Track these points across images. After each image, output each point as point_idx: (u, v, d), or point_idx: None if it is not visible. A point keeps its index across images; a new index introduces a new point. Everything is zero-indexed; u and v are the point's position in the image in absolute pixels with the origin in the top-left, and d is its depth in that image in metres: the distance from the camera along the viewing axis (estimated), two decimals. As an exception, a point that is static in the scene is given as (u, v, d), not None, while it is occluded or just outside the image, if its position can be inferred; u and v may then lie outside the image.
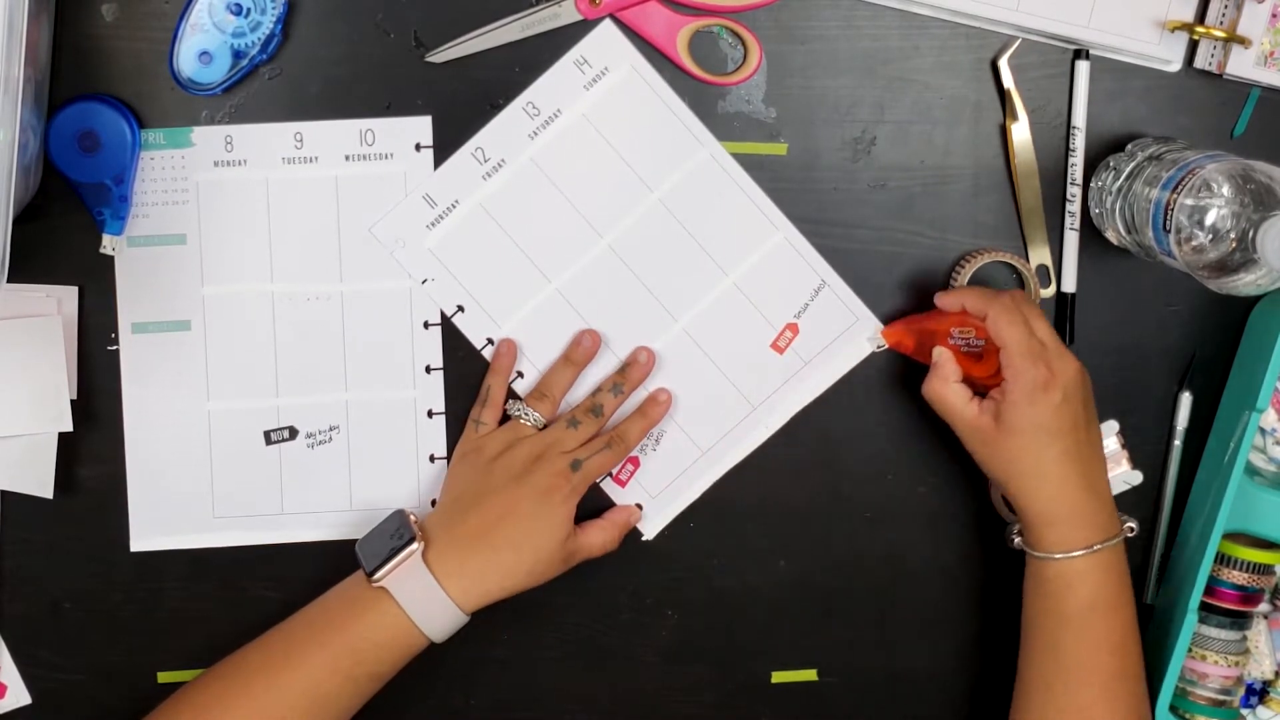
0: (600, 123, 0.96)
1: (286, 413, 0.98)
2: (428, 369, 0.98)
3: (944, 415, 0.94)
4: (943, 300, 0.95)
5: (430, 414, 0.98)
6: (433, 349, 0.98)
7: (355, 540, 0.94)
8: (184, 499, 0.98)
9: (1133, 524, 0.95)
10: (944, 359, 0.94)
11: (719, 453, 0.99)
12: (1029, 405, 0.89)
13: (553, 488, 0.92)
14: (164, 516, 0.99)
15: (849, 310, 0.99)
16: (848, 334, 0.99)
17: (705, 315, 0.98)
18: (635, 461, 0.99)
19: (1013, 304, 0.91)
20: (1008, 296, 0.92)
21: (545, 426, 0.95)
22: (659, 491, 1.00)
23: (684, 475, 1.00)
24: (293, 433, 0.99)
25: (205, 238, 0.97)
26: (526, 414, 0.95)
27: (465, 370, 0.98)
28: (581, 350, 0.96)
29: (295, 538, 0.99)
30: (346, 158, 0.97)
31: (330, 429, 0.98)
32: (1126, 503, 1.01)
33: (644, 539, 1.00)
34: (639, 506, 0.99)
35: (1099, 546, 0.91)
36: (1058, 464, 0.90)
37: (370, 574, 0.90)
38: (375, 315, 0.98)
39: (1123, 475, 1.01)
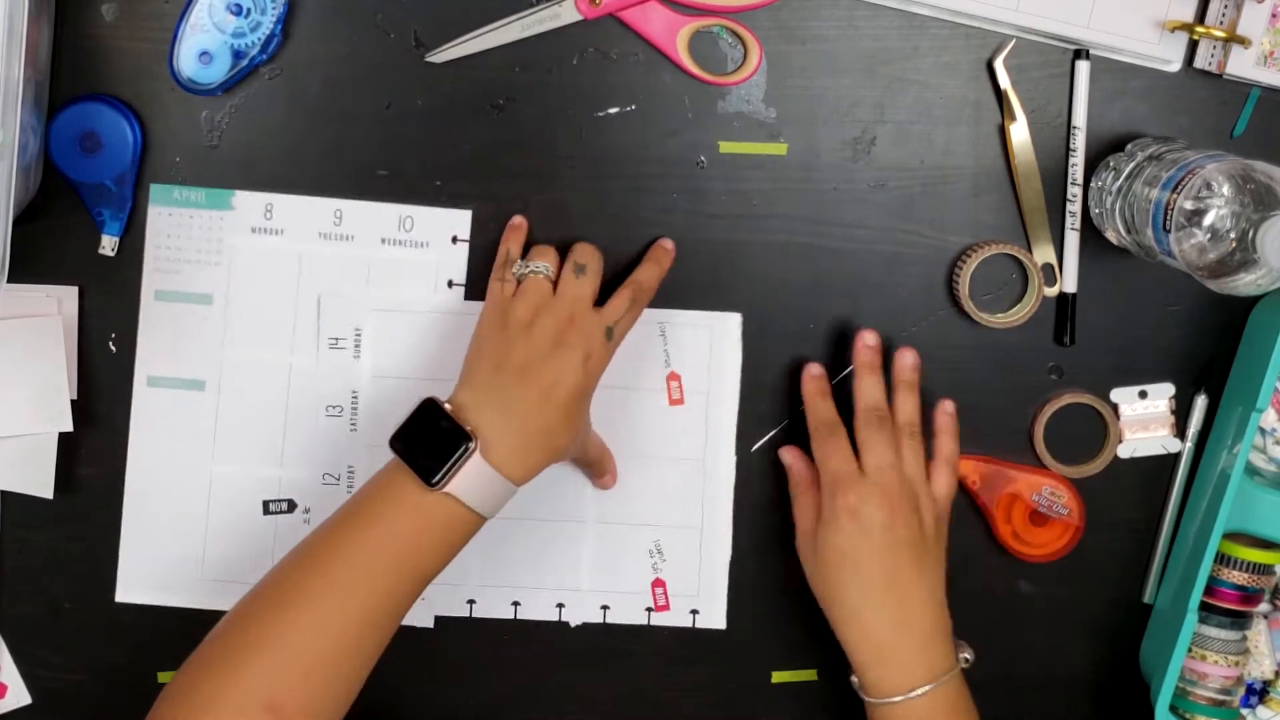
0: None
1: (289, 485, 0.98)
2: None
3: (794, 518, 0.96)
4: (788, 456, 0.98)
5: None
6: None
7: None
8: (176, 558, 0.98)
9: (968, 654, 0.92)
10: (793, 461, 0.96)
11: (711, 516, 0.99)
12: (833, 531, 0.90)
13: (591, 354, 0.89)
14: (154, 571, 0.98)
15: (698, 324, 0.98)
16: (717, 340, 0.98)
17: (602, 430, 0.97)
18: (660, 583, 0.99)
19: (842, 432, 0.93)
20: (841, 425, 0.94)
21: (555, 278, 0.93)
22: (697, 589, 1.00)
23: (702, 557, 0.99)
24: (291, 505, 0.99)
25: (231, 301, 0.97)
26: (536, 267, 0.92)
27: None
28: (582, 250, 0.94)
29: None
30: (383, 240, 0.97)
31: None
32: (1150, 483, 1.01)
33: (716, 628, 1.00)
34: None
35: (921, 691, 0.87)
36: (862, 599, 0.89)
37: (432, 483, 0.85)
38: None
39: (1161, 440, 1.01)
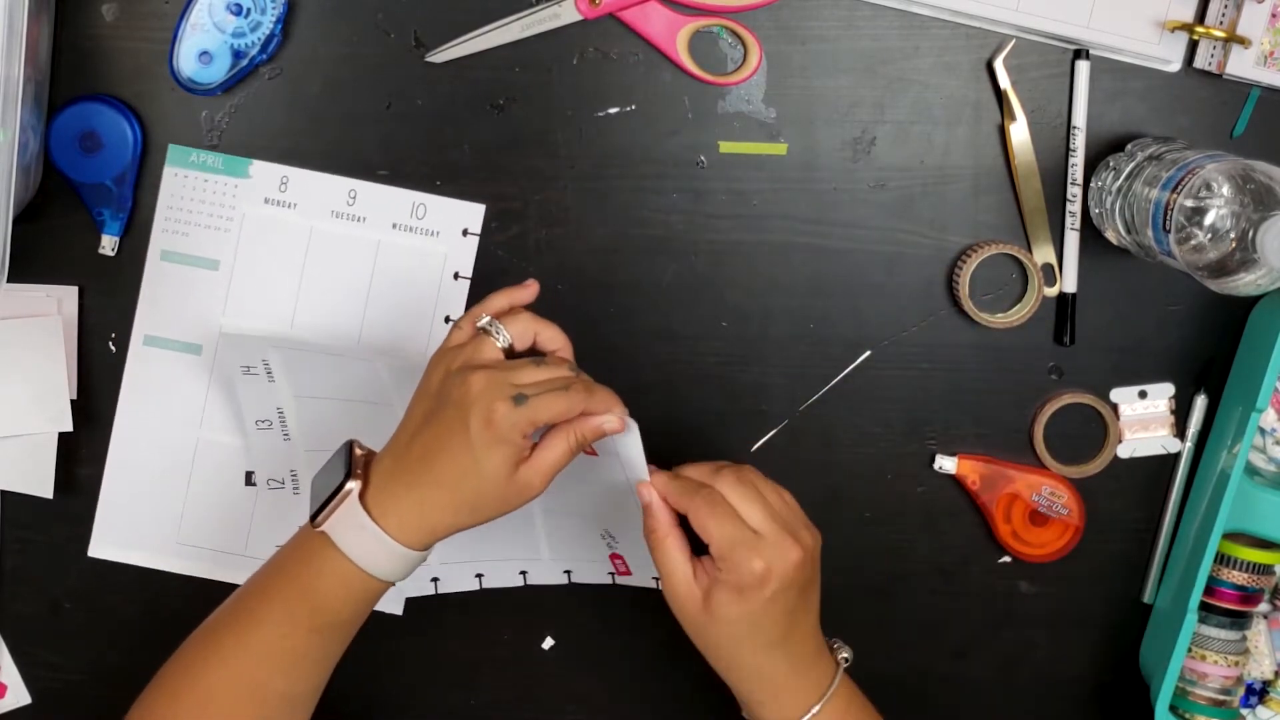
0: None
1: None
2: None
3: (656, 567, 0.85)
4: (646, 492, 0.84)
5: None
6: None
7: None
8: (153, 518, 0.98)
9: (846, 653, 0.88)
10: (656, 505, 0.84)
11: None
12: (739, 600, 0.82)
13: (487, 423, 0.79)
14: (129, 528, 0.98)
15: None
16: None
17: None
18: (618, 556, 0.96)
19: (717, 496, 0.82)
20: (712, 487, 0.83)
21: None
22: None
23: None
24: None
25: (237, 268, 0.97)
26: (498, 331, 0.83)
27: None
28: (521, 291, 0.87)
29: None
30: (394, 225, 0.97)
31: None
32: (1150, 483, 1.01)
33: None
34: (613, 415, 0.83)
35: (815, 710, 0.85)
36: (761, 653, 0.84)
37: (312, 519, 0.82)
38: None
39: (1161, 440, 1.01)
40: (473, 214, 0.97)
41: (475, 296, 0.98)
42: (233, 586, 0.88)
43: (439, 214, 0.97)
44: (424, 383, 0.84)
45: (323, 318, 0.98)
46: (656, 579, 0.91)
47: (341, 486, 0.81)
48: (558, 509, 0.95)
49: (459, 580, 1.00)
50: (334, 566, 0.81)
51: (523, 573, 0.99)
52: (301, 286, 0.97)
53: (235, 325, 0.97)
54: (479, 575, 1.00)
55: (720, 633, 0.83)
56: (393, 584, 0.83)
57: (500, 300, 0.86)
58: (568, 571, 0.99)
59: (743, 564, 0.81)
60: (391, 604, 1.00)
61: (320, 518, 0.81)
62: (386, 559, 0.81)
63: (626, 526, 0.92)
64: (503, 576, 0.99)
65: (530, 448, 0.81)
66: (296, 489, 0.98)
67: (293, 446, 0.97)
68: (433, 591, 1.00)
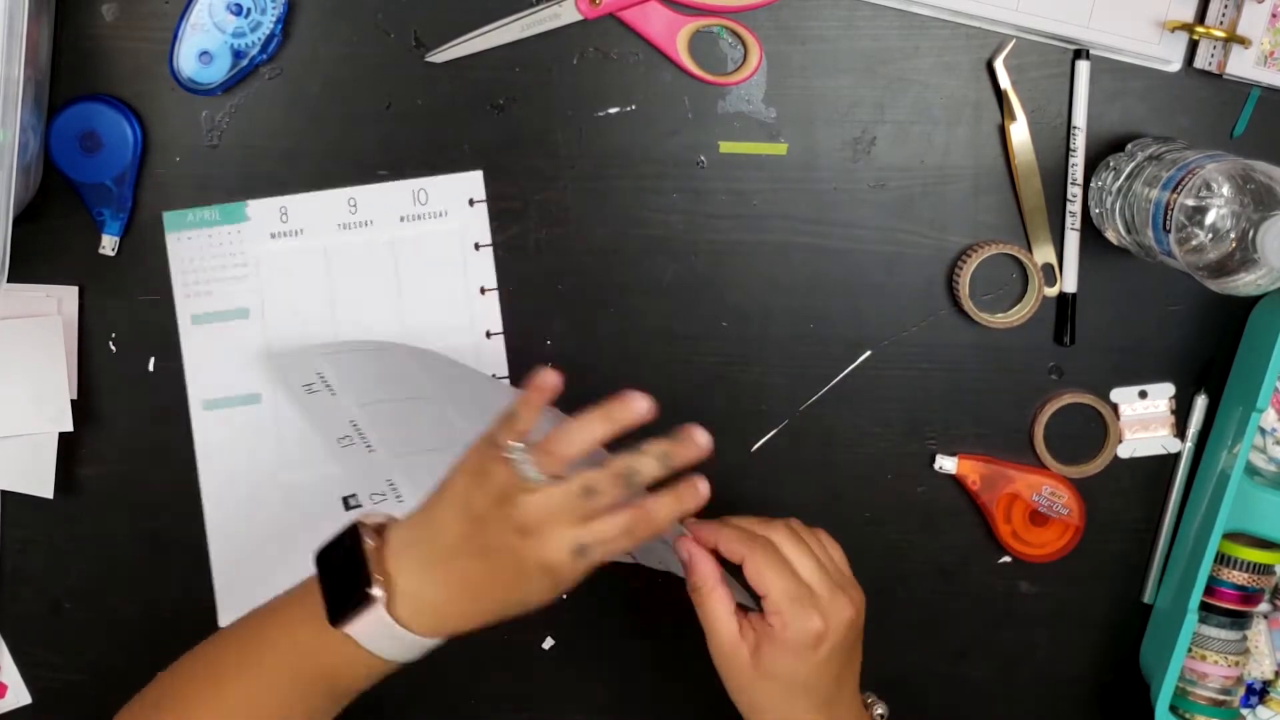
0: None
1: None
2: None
3: (701, 620, 0.82)
4: (686, 548, 0.83)
5: None
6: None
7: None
8: (269, 572, 0.92)
9: (882, 709, 0.88)
10: (698, 559, 0.82)
11: None
12: (793, 658, 0.80)
13: (549, 570, 0.77)
14: (250, 590, 0.93)
15: None
16: None
17: None
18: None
19: (772, 547, 0.81)
20: (768, 538, 0.82)
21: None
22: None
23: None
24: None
25: (267, 310, 0.97)
26: (525, 470, 0.78)
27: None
28: (628, 409, 0.79)
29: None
30: (401, 219, 0.97)
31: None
32: (1150, 483, 1.02)
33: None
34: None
35: None
36: (811, 714, 0.82)
37: (331, 618, 0.79)
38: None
39: (1161, 440, 1.01)
40: (473, 183, 0.97)
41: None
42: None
43: (440, 192, 0.97)
44: (463, 491, 0.79)
45: (363, 328, 0.97)
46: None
47: (364, 595, 0.77)
48: None
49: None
50: (356, 656, 0.79)
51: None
52: (334, 306, 0.97)
53: (280, 344, 0.97)
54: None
55: (770, 691, 0.81)
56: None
57: (527, 415, 0.79)
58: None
59: (799, 621, 0.80)
60: None
61: (342, 621, 0.78)
62: (413, 651, 0.80)
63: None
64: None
65: None
66: (400, 498, 0.97)
67: (378, 457, 0.96)
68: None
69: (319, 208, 0.97)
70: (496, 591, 0.79)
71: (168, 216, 0.96)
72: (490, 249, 0.98)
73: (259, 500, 0.98)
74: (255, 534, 0.98)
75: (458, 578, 0.78)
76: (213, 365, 0.97)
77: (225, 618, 0.99)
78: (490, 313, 0.98)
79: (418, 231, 0.97)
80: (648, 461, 0.78)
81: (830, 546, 0.86)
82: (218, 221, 0.96)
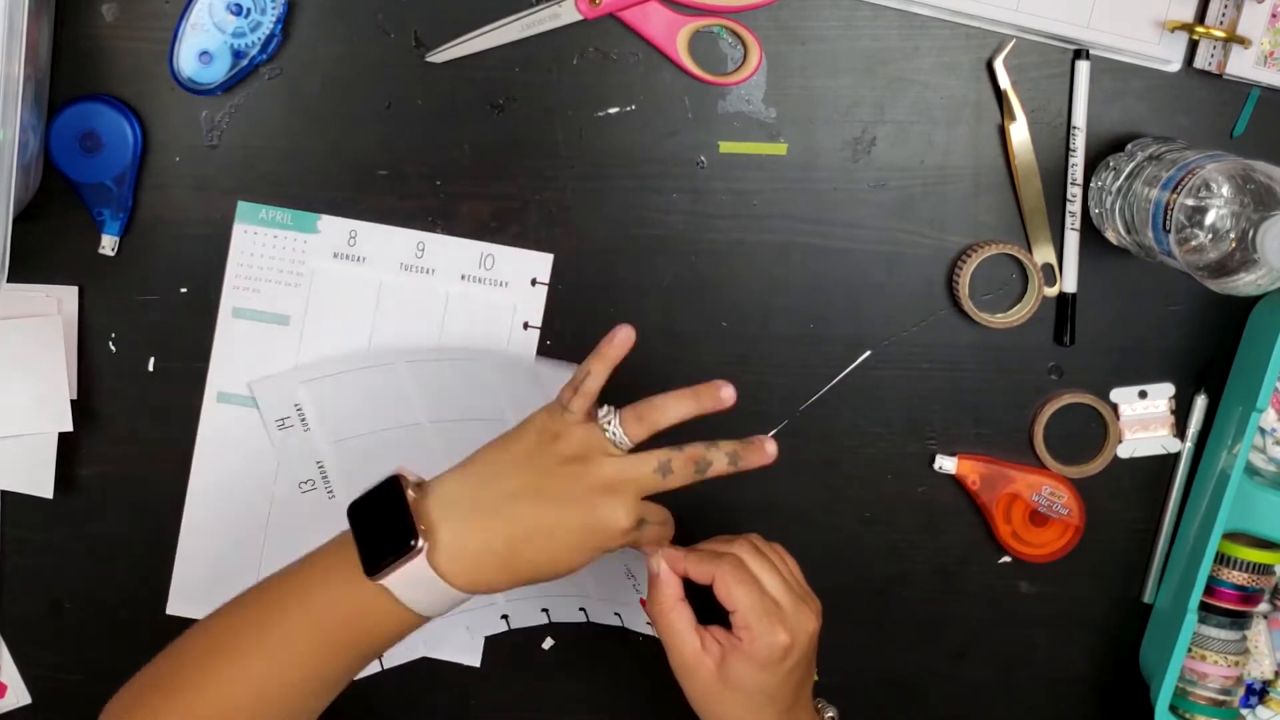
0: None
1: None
2: None
3: (661, 638, 0.85)
4: (660, 565, 0.84)
5: None
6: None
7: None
8: (229, 575, 0.95)
9: (832, 713, 0.90)
10: (665, 576, 0.84)
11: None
12: (760, 670, 0.82)
13: (607, 531, 0.80)
14: (206, 586, 0.97)
15: None
16: None
17: None
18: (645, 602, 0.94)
19: (739, 562, 0.83)
20: (734, 554, 0.84)
21: (632, 450, 0.83)
22: None
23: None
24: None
25: (308, 324, 0.97)
26: (615, 432, 0.82)
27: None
28: (715, 395, 0.83)
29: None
30: (462, 276, 0.97)
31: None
32: (1150, 483, 1.02)
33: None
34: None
35: None
36: None
37: (368, 569, 0.79)
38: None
39: (1161, 440, 1.01)
40: (541, 264, 0.97)
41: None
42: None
43: (507, 264, 0.97)
44: (529, 448, 0.82)
45: (387, 366, 0.97)
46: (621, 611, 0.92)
47: (407, 545, 0.78)
48: None
49: (527, 616, 1.00)
50: (388, 608, 0.80)
51: (582, 609, 1.00)
52: (372, 340, 0.97)
53: (303, 357, 0.97)
54: (545, 610, 1.00)
55: (736, 702, 0.83)
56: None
57: (597, 377, 0.83)
58: (618, 614, 0.98)
59: (767, 635, 0.82)
60: (469, 654, 1.01)
61: (381, 573, 0.79)
62: (444, 603, 0.81)
63: (642, 565, 0.89)
64: (566, 612, 1.00)
65: None
66: None
67: (337, 503, 0.96)
68: (505, 628, 1.00)
69: (387, 242, 0.97)
70: (539, 546, 0.80)
71: (241, 206, 0.96)
72: (538, 332, 0.98)
73: (244, 505, 0.98)
74: (230, 535, 0.98)
75: (505, 526, 0.80)
76: (238, 361, 0.97)
77: (175, 608, 0.99)
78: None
79: (475, 294, 0.97)
80: (719, 456, 0.83)
81: (789, 560, 0.88)
82: (288, 226, 0.97)
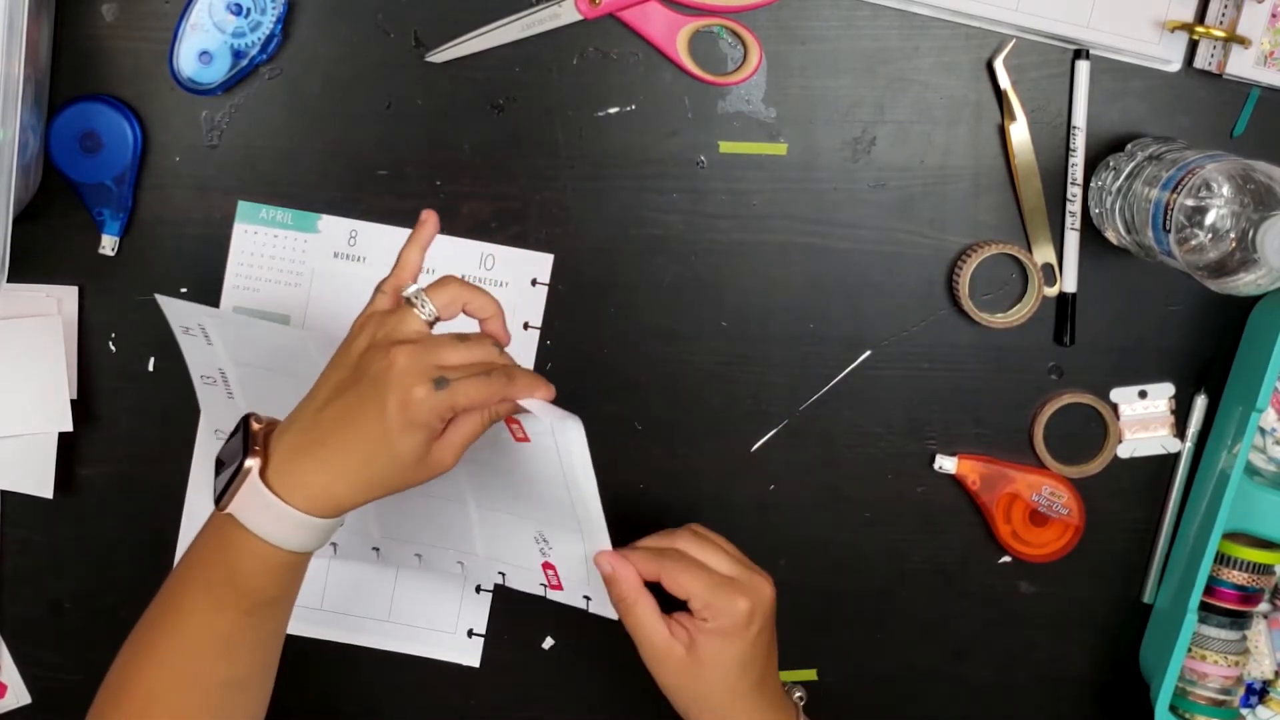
0: None
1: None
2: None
3: (630, 632, 0.86)
4: (607, 562, 0.86)
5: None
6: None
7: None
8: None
9: (801, 693, 0.91)
10: (617, 571, 0.85)
11: (588, 522, 0.88)
12: (729, 641, 0.84)
13: (405, 405, 0.77)
14: None
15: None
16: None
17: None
18: (550, 565, 0.92)
19: (682, 554, 0.85)
20: (676, 547, 0.86)
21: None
22: (586, 578, 0.90)
23: (587, 553, 0.89)
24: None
25: (308, 323, 0.97)
26: (423, 304, 0.80)
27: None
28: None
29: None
30: (462, 276, 0.96)
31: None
32: (1150, 483, 1.01)
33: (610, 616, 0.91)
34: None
35: None
36: (750, 694, 0.85)
37: (216, 501, 0.79)
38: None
39: (1161, 440, 1.01)
40: (541, 263, 0.98)
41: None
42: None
43: (507, 264, 0.97)
44: (344, 350, 0.81)
45: None
46: (587, 598, 0.91)
47: (241, 466, 0.78)
48: (488, 503, 0.92)
49: (399, 557, 0.97)
50: (248, 546, 0.79)
51: (460, 563, 0.96)
52: None
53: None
54: (418, 555, 0.97)
55: (712, 679, 0.85)
56: (312, 553, 0.81)
57: (414, 255, 0.83)
58: (502, 573, 0.95)
59: (728, 606, 0.83)
60: (469, 655, 1.01)
61: (224, 500, 0.78)
62: (297, 531, 0.78)
63: (560, 531, 0.88)
64: (441, 563, 0.96)
65: (444, 427, 0.79)
66: None
67: (236, 403, 0.95)
68: (375, 560, 0.98)
69: (387, 241, 0.97)
70: (351, 440, 0.78)
71: (241, 206, 0.96)
72: (538, 332, 0.98)
73: None
74: None
75: (322, 433, 0.78)
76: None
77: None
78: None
79: None
80: (502, 360, 0.81)
81: (730, 545, 0.88)
82: (289, 226, 0.97)
